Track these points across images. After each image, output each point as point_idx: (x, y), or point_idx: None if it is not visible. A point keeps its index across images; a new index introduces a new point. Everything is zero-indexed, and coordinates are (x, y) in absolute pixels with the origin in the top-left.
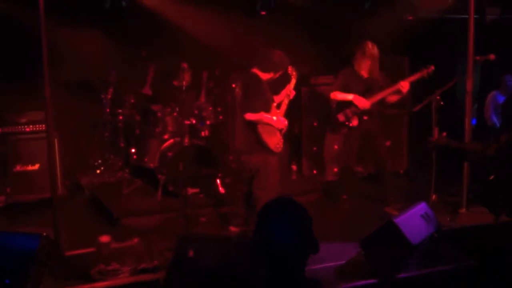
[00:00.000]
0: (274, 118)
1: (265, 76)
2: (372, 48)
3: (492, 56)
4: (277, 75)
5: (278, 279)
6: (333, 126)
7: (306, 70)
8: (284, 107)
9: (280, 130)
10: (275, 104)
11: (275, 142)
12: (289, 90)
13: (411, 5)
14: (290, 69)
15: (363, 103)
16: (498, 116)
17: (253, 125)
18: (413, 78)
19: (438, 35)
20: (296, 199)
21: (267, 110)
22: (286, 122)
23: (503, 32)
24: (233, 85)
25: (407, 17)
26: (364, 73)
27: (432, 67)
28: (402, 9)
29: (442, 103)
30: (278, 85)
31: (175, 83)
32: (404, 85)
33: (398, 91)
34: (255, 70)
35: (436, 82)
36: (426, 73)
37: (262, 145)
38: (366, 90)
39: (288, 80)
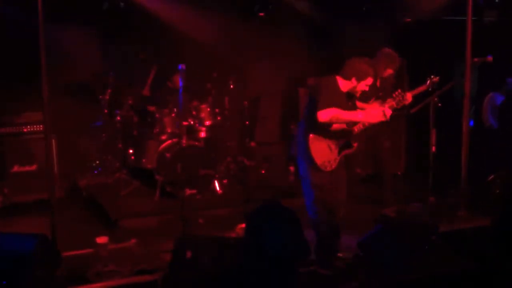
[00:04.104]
0: (362, 113)
1: (345, 84)
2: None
3: (490, 58)
4: (361, 85)
5: (270, 281)
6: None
7: (305, 71)
8: (357, 129)
9: (339, 149)
10: None
11: (324, 159)
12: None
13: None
14: (397, 93)
15: None
16: (495, 118)
17: (305, 132)
18: (420, 90)
19: (436, 37)
20: (293, 201)
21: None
22: (387, 113)
23: (501, 34)
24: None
25: (404, 20)
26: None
27: (436, 79)
28: (399, 11)
29: (440, 104)
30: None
31: (170, 84)
32: (408, 98)
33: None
34: (337, 77)
35: (434, 84)
36: (431, 85)
37: (308, 157)
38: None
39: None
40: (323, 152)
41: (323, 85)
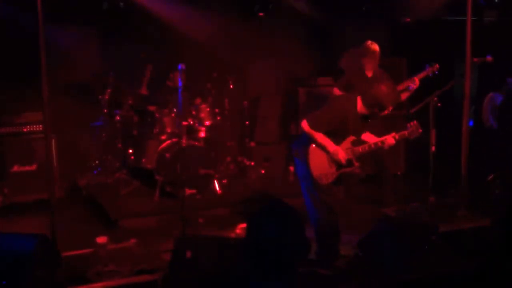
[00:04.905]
0: (333, 148)
1: (366, 109)
2: (373, 47)
3: (489, 58)
4: (383, 112)
5: (271, 280)
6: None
7: (305, 71)
8: (362, 150)
9: (338, 165)
10: (353, 139)
11: (321, 171)
12: (387, 138)
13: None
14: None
15: None
16: (495, 118)
17: (308, 140)
18: (421, 76)
19: (436, 37)
20: (293, 201)
21: (336, 139)
22: (342, 158)
23: (501, 34)
24: None
25: (404, 20)
26: (368, 73)
27: (437, 65)
28: (399, 11)
29: (439, 104)
30: None
31: (169, 83)
32: (416, 80)
33: (407, 89)
34: (359, 98)
35: (434, 84)
36: (431, 71)
37: (306, 166)
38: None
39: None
40: (321, 165)
41: (334, 102)
